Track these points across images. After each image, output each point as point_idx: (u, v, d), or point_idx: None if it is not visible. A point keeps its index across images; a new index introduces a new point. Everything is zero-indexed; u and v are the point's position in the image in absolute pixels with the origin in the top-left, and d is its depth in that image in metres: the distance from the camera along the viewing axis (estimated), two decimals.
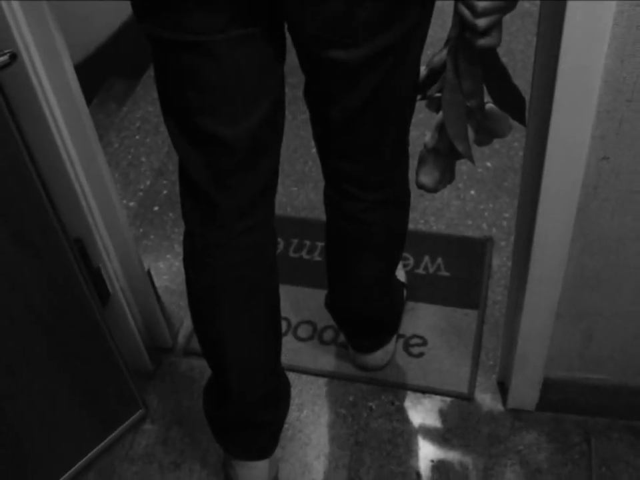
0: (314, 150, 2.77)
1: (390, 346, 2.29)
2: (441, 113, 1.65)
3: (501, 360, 2.22)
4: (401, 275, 2.44)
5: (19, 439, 1.94)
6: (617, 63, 1.46)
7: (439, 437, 2.16)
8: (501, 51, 1.51)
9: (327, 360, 2.35)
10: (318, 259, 2.63)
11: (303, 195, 2.88)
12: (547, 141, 1.57)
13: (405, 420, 2.20)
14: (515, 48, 3.34)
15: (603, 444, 2.10)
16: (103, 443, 2.17)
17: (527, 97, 1.63)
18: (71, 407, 2.02)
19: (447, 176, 1.76)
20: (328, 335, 2.41)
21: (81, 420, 2.08)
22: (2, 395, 1.84)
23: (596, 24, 1.40)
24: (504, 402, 2.19)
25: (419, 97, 1.71)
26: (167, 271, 2.67)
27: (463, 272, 2.55)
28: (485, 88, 1.60)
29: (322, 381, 2.31)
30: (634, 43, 1.43)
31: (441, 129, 1.68)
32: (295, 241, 2.71)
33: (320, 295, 2.37)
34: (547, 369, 2.03)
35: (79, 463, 2.13)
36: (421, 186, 1.77)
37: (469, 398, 2.23)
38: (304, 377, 2.32)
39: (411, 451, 2.14)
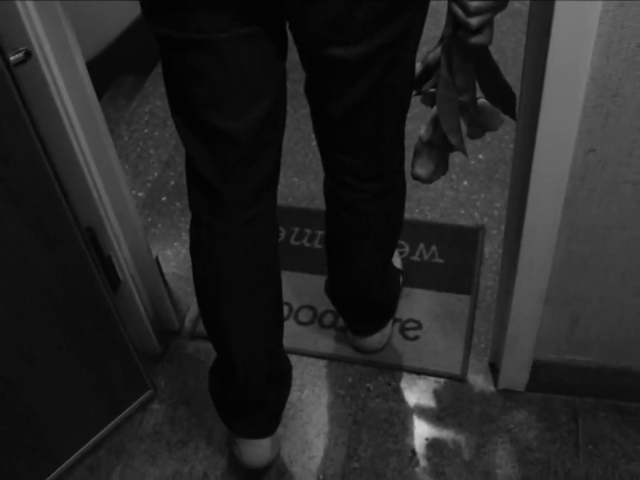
0: (314, 143, 2.77)
1: (387, 329, 2.29)
2: (435, 108, 1.65)
3: (493, 343, 2.22)
4: (397, 261, 2.44)
5: (35, 419, 1.94)
6: (603, 60, 1.46)
7: (433, 416, 2.17)
8: (492, 48, 1.51)
9: (326, 343, 2.35)
10: (318, 246, 2.63)
11: (304, 186, 2.88)
12: (536, 134, 1.57)
13: (401, 400, 2.21)
14: (506, 46, 3.34)
15: (589, 422, 2.10)
16: (113, 422, 2.17)
17: (517, 93, 1.63)
18: (83, 388, 2.03)
19: (440, 168, 1.77)
20: (327, 319, 2.41)
21: (92, 400, 2.08)
22: (19, 377, 1.85)
23: (583, 23, 1.40)
24: (495, 383, 2.20)
25: (414, 92, 1.71)
26: (175, 258, 2.67)
27: (456, 259, 2.55)
28: (477, 84, 1.61)
29: (322, 363, 2.32)
30: (619, 41, 1.43)
31: (435, 122, 1.68)
32: (296, 230, 2.71)
33: (320, 280, 2.37)
34: (536, 351, 2.04)
35: (91, 441, 2.13)
36: (416, 177, 1.77)
37: (461, 379, 2.23)
38: (305, 359, 2.33)
39: (406, 429, 2.14)
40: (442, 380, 2.24)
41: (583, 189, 1.67)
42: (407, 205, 2.00)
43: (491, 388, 2.21)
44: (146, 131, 3.22)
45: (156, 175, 3.00)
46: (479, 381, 2.23)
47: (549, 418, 2.12)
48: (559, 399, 2.15)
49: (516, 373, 2.12)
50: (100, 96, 1.88)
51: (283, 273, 1.88)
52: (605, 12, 1.39)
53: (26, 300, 1.78)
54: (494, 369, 2.22)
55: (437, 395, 2.21)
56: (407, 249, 2.60)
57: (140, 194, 2.92)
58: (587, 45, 1.43)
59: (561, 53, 1.44)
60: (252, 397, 1.92)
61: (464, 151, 1.63)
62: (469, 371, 2.25)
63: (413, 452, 2.09)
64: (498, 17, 1.39)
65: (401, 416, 2.17)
